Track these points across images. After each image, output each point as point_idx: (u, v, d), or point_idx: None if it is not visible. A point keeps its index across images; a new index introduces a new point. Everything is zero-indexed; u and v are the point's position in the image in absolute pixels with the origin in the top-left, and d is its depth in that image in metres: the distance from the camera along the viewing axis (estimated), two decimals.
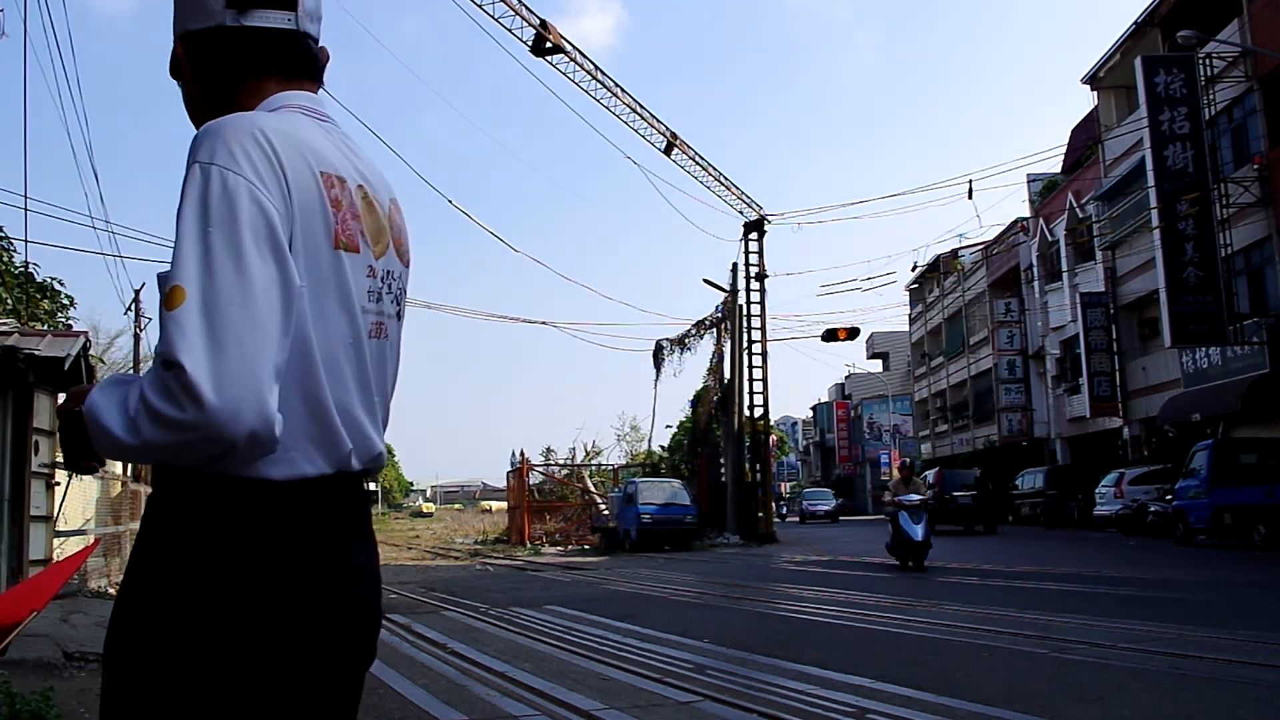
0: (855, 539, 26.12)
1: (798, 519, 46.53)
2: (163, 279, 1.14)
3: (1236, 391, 20.37)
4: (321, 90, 1.44)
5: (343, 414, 1.27)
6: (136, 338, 26.42)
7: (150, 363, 1.35)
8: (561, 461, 36.40)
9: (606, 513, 27.06)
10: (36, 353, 7.98)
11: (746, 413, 27.88)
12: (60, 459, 10.37)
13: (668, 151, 25.75)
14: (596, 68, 23.34)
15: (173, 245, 1.15)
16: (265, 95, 1.35)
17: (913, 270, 37.80)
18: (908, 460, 15.17)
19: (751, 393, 27.97)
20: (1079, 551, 17.54)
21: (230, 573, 1.18)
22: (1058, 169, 32.46)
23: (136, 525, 15.31)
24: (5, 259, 13.08)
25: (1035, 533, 25.96)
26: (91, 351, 10.14)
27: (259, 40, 1.35)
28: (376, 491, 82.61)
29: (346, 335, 1.29)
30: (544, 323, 53.13)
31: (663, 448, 38.21)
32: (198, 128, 1.29)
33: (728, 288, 28.54)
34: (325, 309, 1.25)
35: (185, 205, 1.16)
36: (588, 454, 36.90)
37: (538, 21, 21.57)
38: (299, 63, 1.38)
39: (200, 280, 1.11)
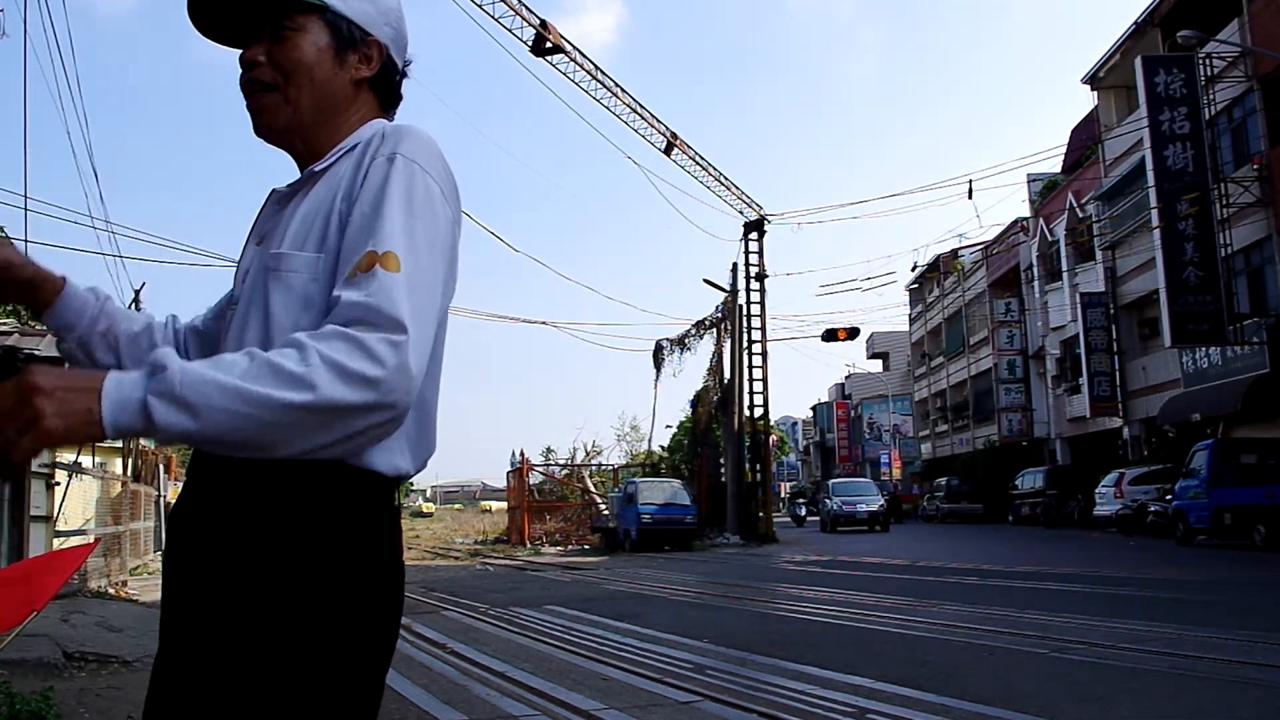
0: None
1: (821, 525, 32.75)
2: (353, 241, 1.19)
3: (1236, 391, 20.37)
4: None
5: (435, 418, 1.33)
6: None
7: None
8: (561, 461, 36.42)
9: (606, 513, 27.06)
10: (36, 353, 7.97)
11: (746, 413, 27.87)
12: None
13: (668, 151, 25.74)
14: (596, 67, 23.35)
15: (368, 217, 1.20)
16: (371, 117, 1.40)
17: (913, 270, 37.90)
18: None
19: (751, 393, 27.98)
20: (1079, 551, 17.54)
21: (363, 562, 1.21)
22: (1058, 169, 32.47)
23: (137, 525, 15.35)
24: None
25: (1035, 533, 25.96)
26: None
27: (400, 80, 1.46)
28: None
29: (442, 345, 1.34)
30: (544, 323, 53.10)
31: (663, 448, 38.23)
32: (281, 125, 1.34)
33: (728, 288, 28.54)
34: (445, 318, 1.32)
35: (392, 188, 1.21)
36: (588, 454, 36.90)
37: (538, 21, 21.56)
38: (398, 103, 1.48)
39: (407, 257, 1.16)
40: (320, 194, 1.28)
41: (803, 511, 38.70)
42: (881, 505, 30.13)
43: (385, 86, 1.42)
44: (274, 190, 1.38)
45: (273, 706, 1.14)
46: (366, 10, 1.36)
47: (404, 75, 1.45)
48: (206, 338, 1.49)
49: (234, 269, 1.43)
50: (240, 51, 1.35)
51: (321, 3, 1.32)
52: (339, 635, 1.17)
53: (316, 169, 1.32)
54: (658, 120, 24.99)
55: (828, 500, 31.52)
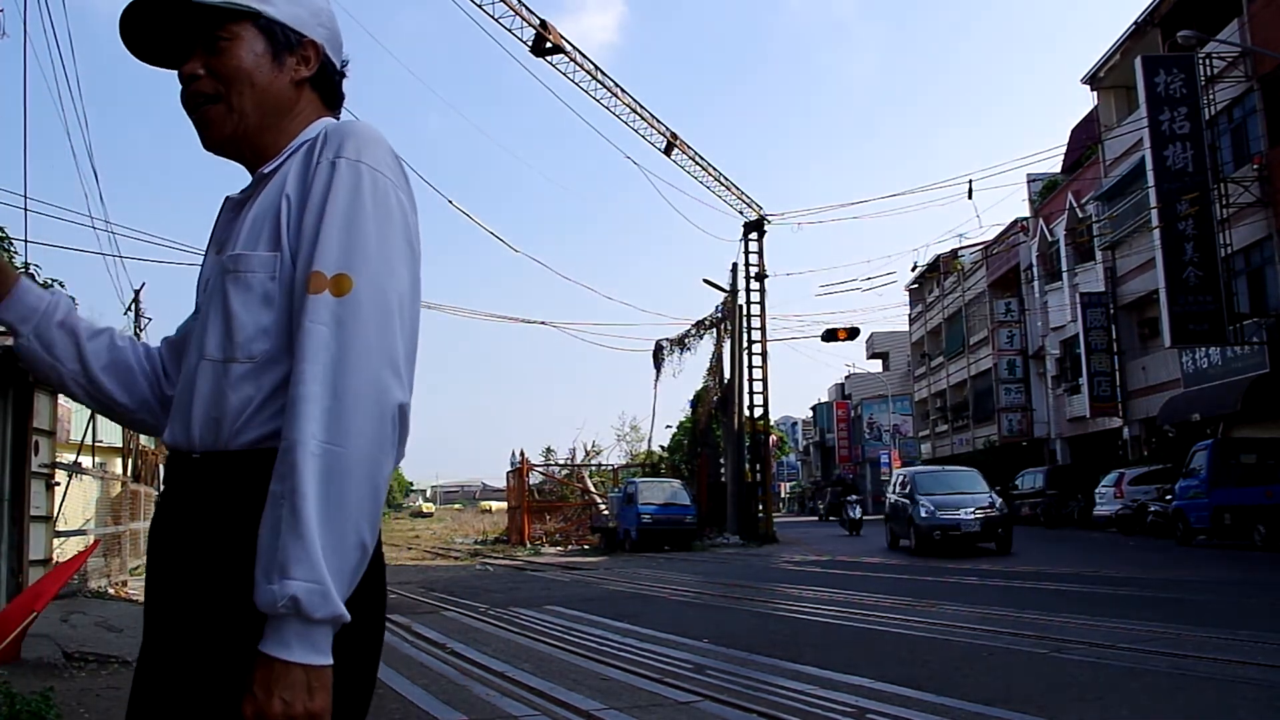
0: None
1: (890, 539, 20.71)
2: (306, 253, 1.21)
3: (1236, 391, 20.36)
4: None
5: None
6: (136, 338, 26.34)
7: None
8: (561, 461, 36.46)
9: (606, 513, 27.07)
10: None
11: (746, 413, 27.87)
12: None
13: (668, 151, 25.74)
14: (596, 68, 23.36)
15: (316, 233, 1.21)
16: (316, 117, 1.40)
17: (913, 270, 37.91)
18: None
19: (751, 393, 27.98)
20: (1079, 551, 17.53)
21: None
22: (1058, 169, 32.45)
23: (137, 525, 15.35)
24: (5, 259, 13.07)
25: (1035, 533, 25.94)
26: None
27: (339, 79, 1.46)
28: None
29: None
30: (544, 323, 53.08)
31: (663, 448, 38.24)
32: (229, 135, 1.34)
33: (727, 288, 28.54)
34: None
35: (337, 197, 1.22)
36: (588, 454, 36.94)
37: (538, 21, 21.57)
38: (341, 102, 1.49)
39: (361, 271, 1.19)
40: (269, 195, 1.30)
41: (857, 513, 28.24)
42: (999, 508, 18.23)
43: (326, 86, 1.42)
44: (228, 198, 1.40)
45: None
46: (298, 13, 1.37)
47: (343, 75, 1.46)
48: (176, 347, 1.50)
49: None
50: (177, 71, 1.35)
51: (251, 9, 1.32)
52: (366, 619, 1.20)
53: (265, 171, 1.33)
54: (658, 120, 25.01)
55: (909, 503, 18.77)
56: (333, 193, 1.22)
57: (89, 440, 14.62)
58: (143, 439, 19.75)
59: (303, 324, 1.16)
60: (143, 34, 1.36)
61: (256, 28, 1.33)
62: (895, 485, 21.24)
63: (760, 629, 8.31)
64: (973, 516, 17.63)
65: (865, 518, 29.35)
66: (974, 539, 17.63)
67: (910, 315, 50.28)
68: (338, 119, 1.44)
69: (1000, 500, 18.84)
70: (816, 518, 49.73)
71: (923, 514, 17.93)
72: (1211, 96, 21.82)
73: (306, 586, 1.06)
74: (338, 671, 1.17)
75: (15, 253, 13.41)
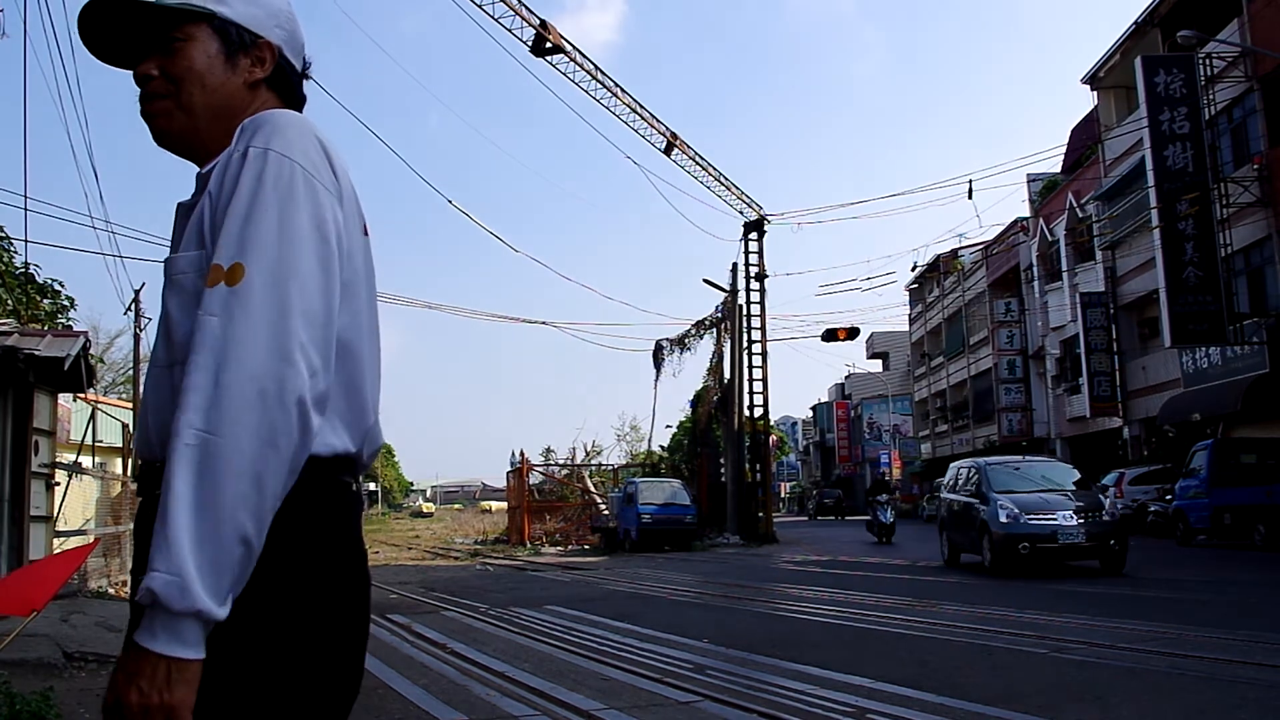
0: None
1: (950, 553, 15.40)
2: (213, 245, 1.20)
3: (1236, 391, 20.37)
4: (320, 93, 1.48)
5: (365, 388, 1.31)
6: (136, 338, 26.38)
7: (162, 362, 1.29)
8: (561, 461, 36.41)
9: (606, 513, 27.08)
10: (36, 353, 7.98)
11: (746, 413, 27.88)
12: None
13: (668, 151, 25.74)
14: (596, 68, 23.36)
15: (224, 223, 1.20)
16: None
17: (913, 270, 37.86)
18: None
19: (751, 393, 27.99)
20: None
21: (316, 547, 1.22)
22: (1058, 169, 32.45)
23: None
24: (5, 259, 13.06)
25: None
26: (91, 352, 10.14)
27: (299, 80, 1.47)
28: (376, 492, 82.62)
29: (374, 319, 1.34)
30: (544, 323, 53.07)
31: (663, 448, 38.26)
32: (177, 131, 1.35)
33: (728, 288, 28.54)
34: (361, 292, 1.31)
35: (241, 187, 1.21)
36: (588, 454, 36.93)
37: (537, 21, 21.57)
38: (301, 104, 1.49)
39: (255, 258, 1.17)
40: (203, 195, 1.30)
41: (889, 517, 23.63)
42: (1109, 511, 13.36)
43: (284, 88, 1.42)
44: (179, 204, 1.40)
45: (240, 698, 1.15)
46: (254, 13, 1.37)
47: (304, 76, 1.47)
48: None
49: None
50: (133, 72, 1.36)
51: (207, 10, 1.33)
52: (298, 625, 1.18)
53: (202, 171, 1.33)
54: (658, 120, 25.01)
55: (977, 504, 13.95)
56: (239, 183, 1.22)
57: (89, 440, 14.62)
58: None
59: (197, 317, 1.16)
60: (101, 34, 1.36)
61: (211, 28, 1.34)
62: (955, 481, 15.78)
63: (761, 629, 8.31)
64: (1075, 522, 12.75)
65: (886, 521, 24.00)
66: (1073, 553, 12.94)
67: (910, 315, 50.28)
68: None
69: (1109, 501, 14.01)
70: (806, 518, 49.67)
71: (1002, 518, 13.12)
72: (1211, 96, 21.83)
73: (164, 579, 1.05)
74: (310, 662, 1.18)
75: (15, 252, 13.41)
